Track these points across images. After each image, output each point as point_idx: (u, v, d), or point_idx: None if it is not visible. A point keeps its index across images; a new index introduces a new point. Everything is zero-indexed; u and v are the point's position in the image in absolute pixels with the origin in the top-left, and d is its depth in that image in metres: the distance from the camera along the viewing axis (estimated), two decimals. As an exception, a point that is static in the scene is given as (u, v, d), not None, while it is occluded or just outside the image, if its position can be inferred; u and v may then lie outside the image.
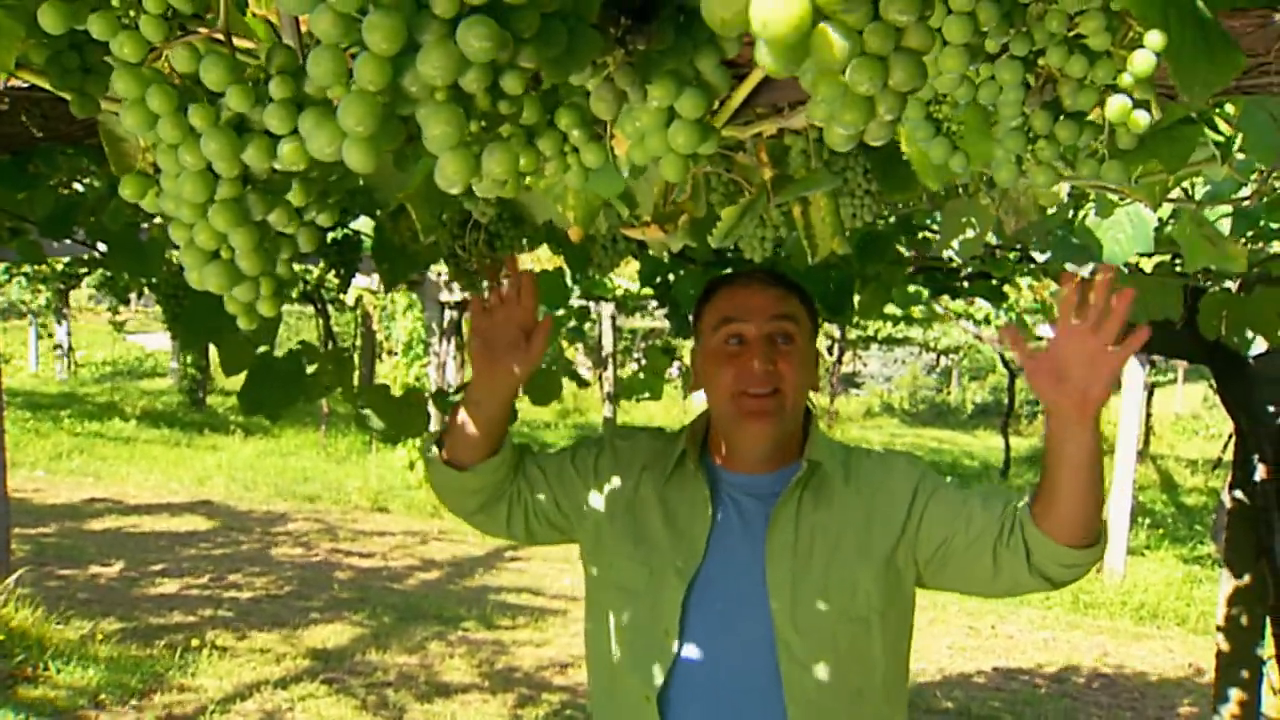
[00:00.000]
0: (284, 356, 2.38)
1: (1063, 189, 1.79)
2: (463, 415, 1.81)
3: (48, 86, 0.83)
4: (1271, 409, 3.17)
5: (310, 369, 2.40)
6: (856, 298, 3.64)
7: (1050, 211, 1.77)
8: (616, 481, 1.88)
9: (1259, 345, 2.36)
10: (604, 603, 1.84)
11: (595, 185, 0.85)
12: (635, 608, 1.79)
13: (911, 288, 3.85)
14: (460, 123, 0.62)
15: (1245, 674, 3.46)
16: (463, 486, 1.84)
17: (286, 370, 2.35)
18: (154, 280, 3.20)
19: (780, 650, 1.70)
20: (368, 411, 2.59)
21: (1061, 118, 0.87)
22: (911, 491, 1.78)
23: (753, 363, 1.75)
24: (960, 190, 1.75)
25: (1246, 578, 3.39)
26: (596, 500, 1.89)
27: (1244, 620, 3.43)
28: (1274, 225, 1.90)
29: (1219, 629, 3.53)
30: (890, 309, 8.13)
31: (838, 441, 1.94)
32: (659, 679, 1.72)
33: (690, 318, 1.98)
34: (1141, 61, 0.79)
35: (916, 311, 11.42)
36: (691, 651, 1.73)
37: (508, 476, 1.86)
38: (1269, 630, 3.27)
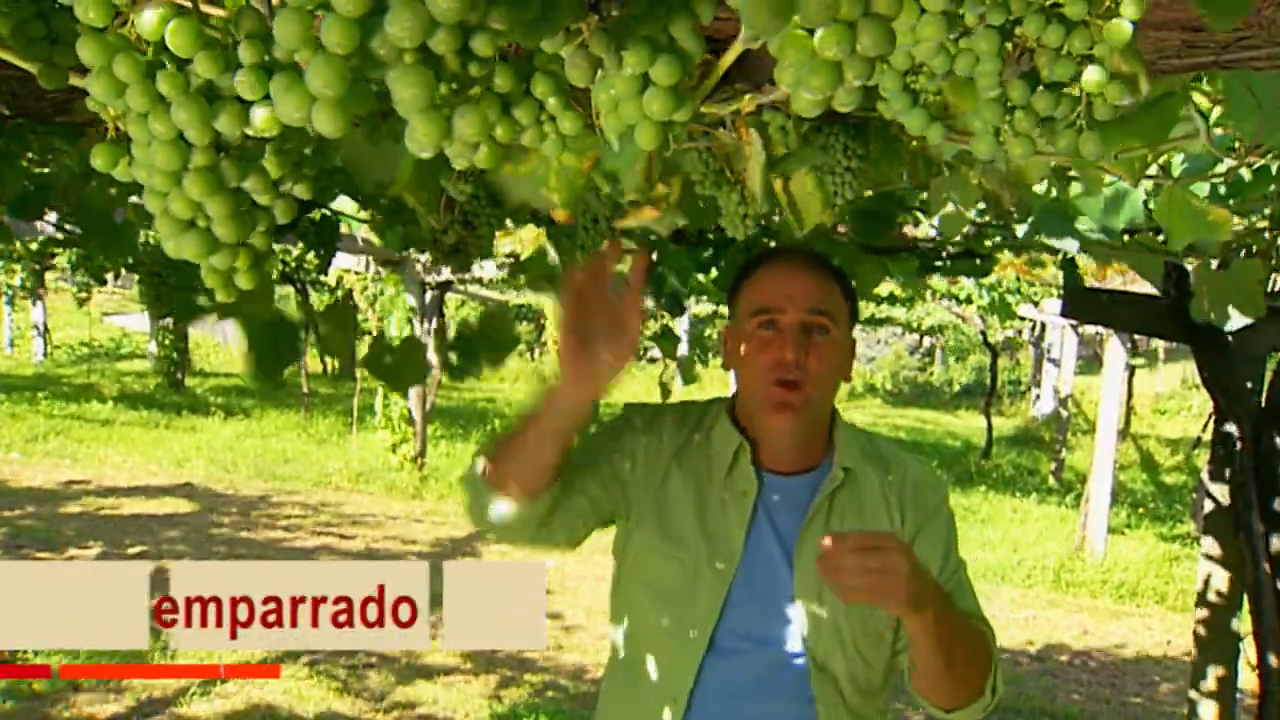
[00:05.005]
0: (274, 316, 2.29)
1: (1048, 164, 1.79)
2: (532, 436, 1.61)
3: (13, 59, 0.82)
4: (1250, 386, 3.19)
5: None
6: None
7: (1038, 182, 1.76)
8: (646, 472, 1.78)
9: (1236, 320, 2.36)
10: (631, 599, 1.78)
11: (573, 151, 0.84)
12: (665, 606, 1.72)
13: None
14: (430, 85, 0.62)
15: (1223, 650, 3.48)
16: (524, 519, 1.68)
17: (282, 325, 2.28)
18: (131, 260, 3.17)
19: (810, 660, 1.67)
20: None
21: (1039, 88, 0.86)
22: (942, 555, 1.74)
23: (784, 353, 1.68)
24: (944, 167, 1.74)
25: (1224, 555, 3.41)
26: (631, 491, 1.78)
27: (1222, 597, 3.45)
28: (1258, 194, 1.90)
29: (1197, 606, 3.55)
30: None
31: (862, 432, 1.87)
32: (688, 680, 1.68)
33: (729, 293, 1.85)
34: (1117, 30, 0.79)
35: (900, 290, 11.46)
36: (722, 654, 1.68)
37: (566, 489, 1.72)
38: (1246, 607, 3.29)
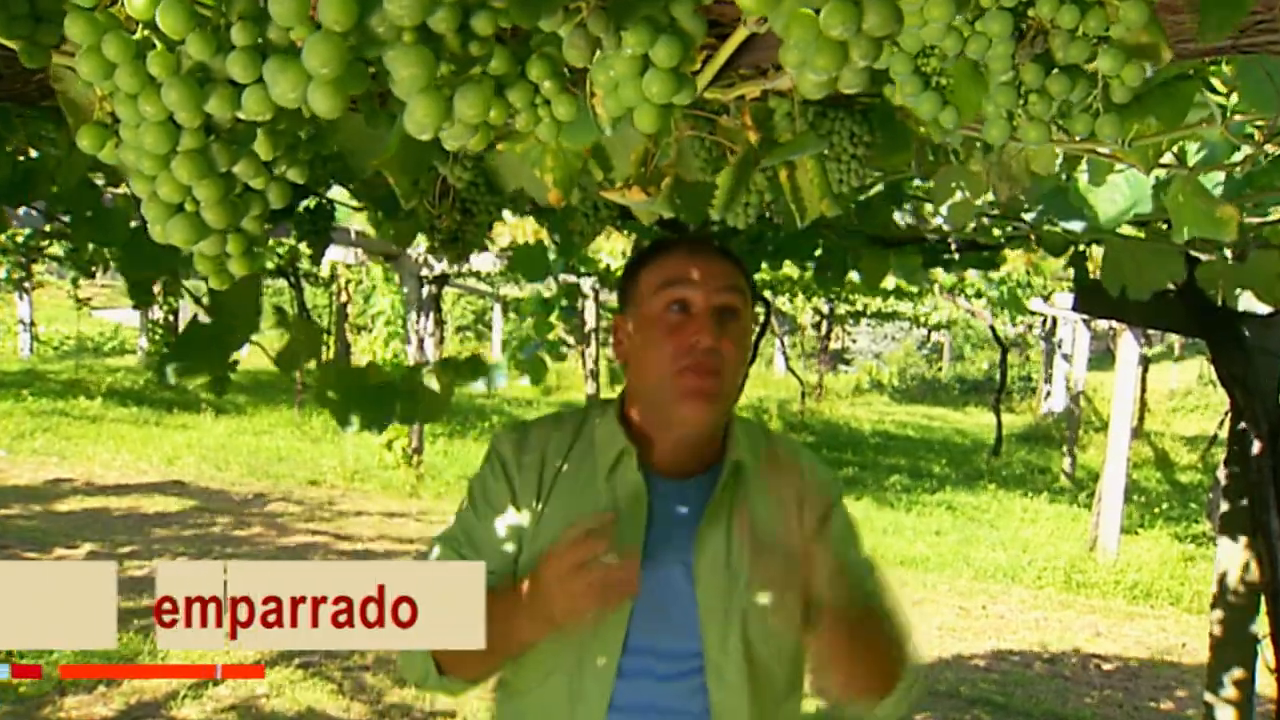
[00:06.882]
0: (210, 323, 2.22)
1: (1057, 154, 1.76)
2: (485, 659, 1.62)
3: (-6, 36, 0.80)
4: (1267, 382, 3.16)
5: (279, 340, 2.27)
6: (854, 274, 3.62)
7: (1050, 174, 1.73)
8: (525, 505, 1.66)
9: (1253, 305, 2.34)
10: None
11: (568, 139, 0.83)
12: (560, 637, 1.57)
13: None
14: (430, 65, 0.61)
15: (1240, 653, 3.45)
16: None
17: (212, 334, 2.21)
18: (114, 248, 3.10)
19: (710, 676, 1.59)
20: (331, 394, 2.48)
21: (1053, 71, 0.84)
22: (850, 548, 1.70)
23: (698, 337, 1.57)
24: (951, 155, 1.72)
25: (1241, 555, 3.38)
26: (509, 537, 1.67)
27: (1238, 599, 3.42)
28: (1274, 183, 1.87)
29: (1213, 607, 3.52)
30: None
31: (755, 425, 1.78)
32: (600, 711, 1.58)
33: (621, 280, 1.74)
34: (1134, 11, 0.77)
35: (907, 285, 11.42)
36: (627, 677, 1.59)
37: None
38: (1264, 608, 3.26)
